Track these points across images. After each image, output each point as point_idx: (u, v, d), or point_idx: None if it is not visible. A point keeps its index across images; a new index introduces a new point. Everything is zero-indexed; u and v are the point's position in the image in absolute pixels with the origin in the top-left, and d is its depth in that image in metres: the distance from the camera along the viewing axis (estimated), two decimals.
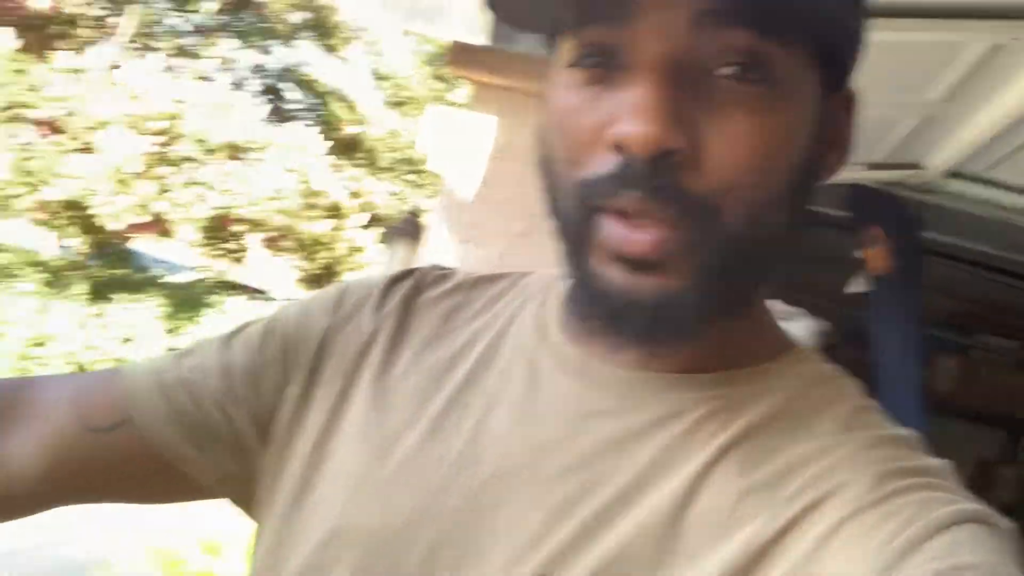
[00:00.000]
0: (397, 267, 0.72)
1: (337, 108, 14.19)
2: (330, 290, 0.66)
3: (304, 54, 14.94)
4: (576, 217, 0.48)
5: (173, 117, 8.36)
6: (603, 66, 0.47)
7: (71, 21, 10.71)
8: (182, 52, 12.57)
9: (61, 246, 8.70)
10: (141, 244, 10.00)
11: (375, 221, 10.98)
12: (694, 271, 0.46)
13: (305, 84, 14.82)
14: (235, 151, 8.71)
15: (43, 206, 8.04)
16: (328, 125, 13.02)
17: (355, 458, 0.56)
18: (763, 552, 0.45)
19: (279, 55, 14.68)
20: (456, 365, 0.58)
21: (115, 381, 0.64)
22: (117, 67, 8.87)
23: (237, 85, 12.25)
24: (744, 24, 0.44)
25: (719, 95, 0.45)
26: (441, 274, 0.65)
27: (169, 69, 9.83)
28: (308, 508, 0.56)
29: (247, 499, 0.62)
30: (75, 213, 8.06)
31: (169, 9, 12.90)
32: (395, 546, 0.51)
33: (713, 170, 0.45)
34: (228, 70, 13.52)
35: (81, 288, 7.40)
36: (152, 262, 9.56)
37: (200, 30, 13.41)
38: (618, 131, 0.45)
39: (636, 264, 0.46)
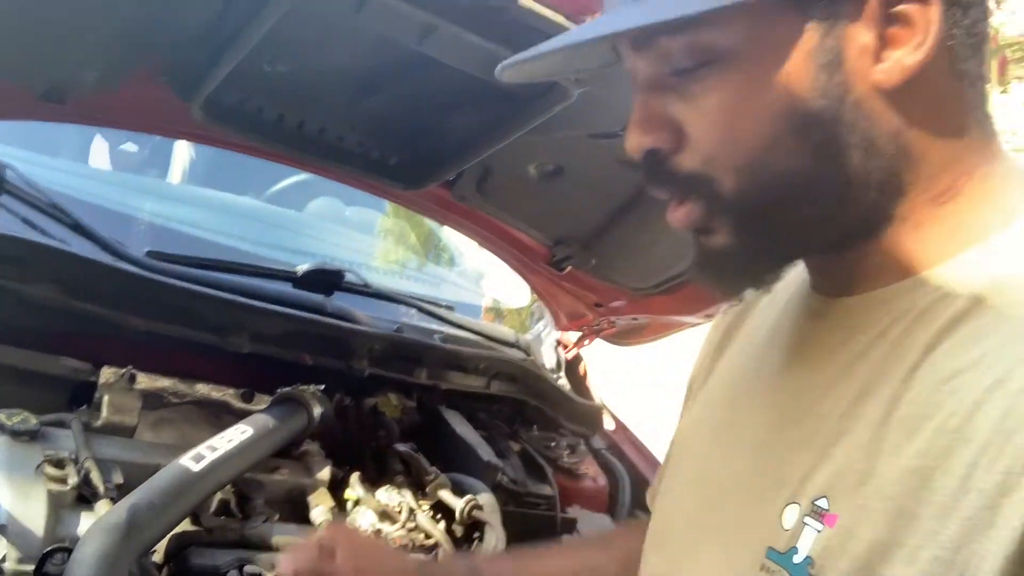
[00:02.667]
0: None
1: None
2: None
3: None
4: None
5: None
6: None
7: None
8: None
9: None
10: None
11: None
12: (735, 229, 0.57)
13: None
14: None
15: None
16: None
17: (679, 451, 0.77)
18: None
19: None
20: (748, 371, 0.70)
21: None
22: None
23: None
24: (662, 33, 0.53)
25: (686, 88, 0.55)
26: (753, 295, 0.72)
27: None
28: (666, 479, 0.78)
29: None
30: None
31: None
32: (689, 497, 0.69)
33: (695, 149, 0.55)
34: None
35: None
36: None
37: None
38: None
39: (697, 232, 0.59)
